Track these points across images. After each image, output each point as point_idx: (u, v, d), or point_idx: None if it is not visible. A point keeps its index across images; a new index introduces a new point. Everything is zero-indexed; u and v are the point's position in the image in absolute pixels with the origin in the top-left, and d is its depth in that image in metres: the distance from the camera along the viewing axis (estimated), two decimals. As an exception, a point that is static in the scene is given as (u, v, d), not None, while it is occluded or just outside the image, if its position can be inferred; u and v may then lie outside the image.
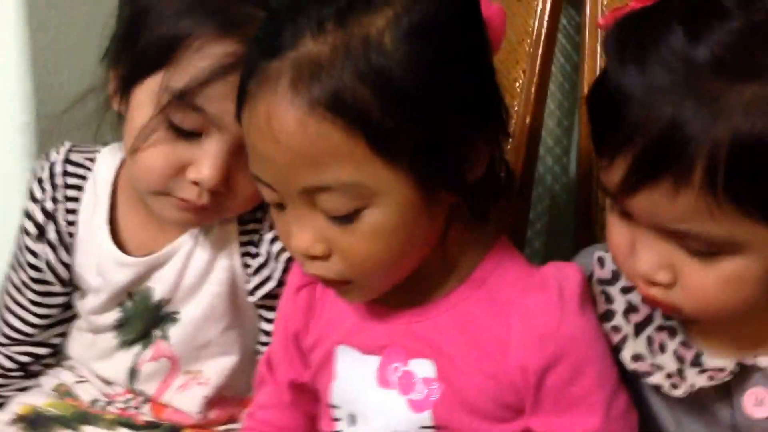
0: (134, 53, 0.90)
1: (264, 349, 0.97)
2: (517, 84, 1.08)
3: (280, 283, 0.96)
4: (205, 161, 0.88)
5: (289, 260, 0.94)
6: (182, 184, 0.90)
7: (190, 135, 0.88)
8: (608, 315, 0.83)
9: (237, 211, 0.95)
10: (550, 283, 0.79)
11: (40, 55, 1.13)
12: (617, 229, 0.76)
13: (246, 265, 0.98)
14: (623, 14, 0.73)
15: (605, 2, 1.05)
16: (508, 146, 1.04)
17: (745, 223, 0.68)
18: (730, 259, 0.71)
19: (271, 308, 0.98)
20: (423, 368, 0.81)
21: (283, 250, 0.95)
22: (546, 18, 1.08)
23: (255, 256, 0.97)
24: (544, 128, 1.14)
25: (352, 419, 0.85)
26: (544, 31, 1.08)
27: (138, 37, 0.90)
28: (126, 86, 0.91)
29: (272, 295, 0.97)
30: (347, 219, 0.74)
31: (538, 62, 1.07)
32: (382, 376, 0.82)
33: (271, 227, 0.95)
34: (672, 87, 0.67)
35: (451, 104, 0.73)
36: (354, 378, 0.84)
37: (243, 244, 0.97)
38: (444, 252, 0.81)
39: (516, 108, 1.08)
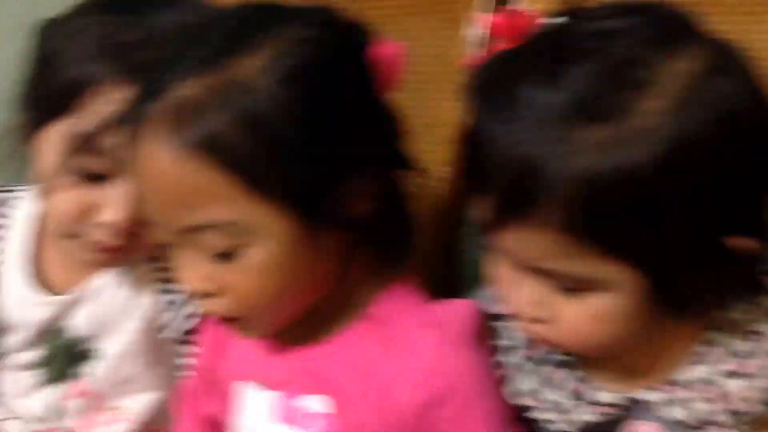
0: (41, 98, 0.92)
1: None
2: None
3: (198, 320, 0.96)
4: (115, 204, 0.90)
5: None
6: (90, 228, 0.91)
7: (98, 178, 0.90)
8: (500, 350, 0.84)
9: (151, 249, 0.95)
10: (440, 321, 0.80)
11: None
12: (494, 266, 0.77)
13: (164, 302, 0.99)
14: (485, 57, 0.75)
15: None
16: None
17: (606, 261, 0.69)
18: (598, 296, 0.72)
19: (190, 343, 0.98)
20: (320, 404, 0.82)
21: None
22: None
23: (173, 293, 0.98)
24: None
25: None
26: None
27: (45, 82, 0.91)
28: (33, 130, 0.92)
29: (190, 331, 0.98)
30: (230, 256, 0.75)
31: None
32: (281, 411, 0.83)
33: None
34: (530, 129, 0.68)
35: (324, 144, 0.73)
36: (257, 413, 0.85)
37: (162, 281, 0.98)
38: (345, 288, 0.81)
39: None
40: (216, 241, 0.74)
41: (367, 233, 0.79)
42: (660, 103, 0.66)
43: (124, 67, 0.87)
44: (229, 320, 0.80)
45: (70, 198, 0.91)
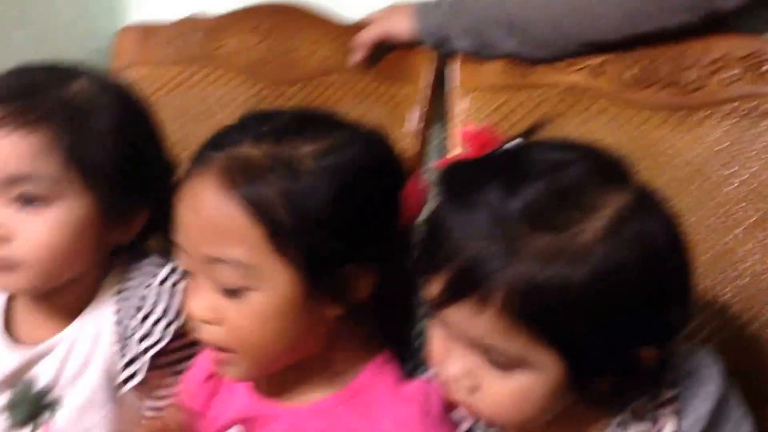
0: None
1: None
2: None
3: (148, 377, 1.03)
4: None
5: (154, 357, 1.03)
6: None
7: None
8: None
9: (28, 265, 1.00)
10: (416, 398, 0.89)
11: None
12: (435, 337, 0.85)
13: (117, 360, 1.05)
14: (455, 160, 0.85)
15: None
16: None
17: (533, 345, 0.78)
18: (523, 375, 0.80)
19: (145, 397, 1.06)
20: None
21: (147, 350, 1.03)
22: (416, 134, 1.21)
23: (125, 352, 1.04)
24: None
25: None
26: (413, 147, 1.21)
27: None
28: None
29: (142, 387, 1.04)
30: (236, 294, 0.85)
31: None
32: None
33: (143, 323, 1.03)
34: (483, 227, 0.78)
35: (342, 231, 0.84)
36: None
37: (117, 340, 1.05)
38: (327, 359, 0.91)
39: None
40: (228, 276, 0.85)
41: (361, 313, 0.89)
42: (597, 225, 0.76)
43: None
44: (219, 351, 0.89)
45: None
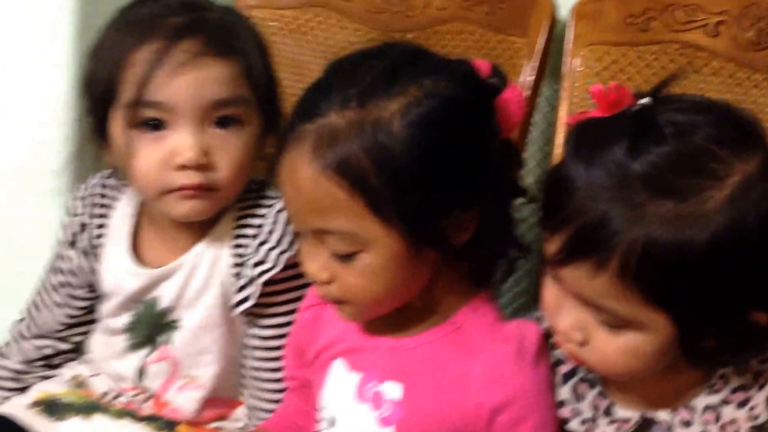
0: (92, 106, 1.08)
1: (254, 361, 1.12)
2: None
3: (258, 303, 1.10)
4: (180, 144, 1.04)
5: (265, 284, 1.09)
6: (173, 175, 1.05)
7: (158, 127, 1.04)
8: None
9: (229, 186, 1.08)
10: (513, 338, 0.92)
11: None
12: (549, 290, 0.88)
13: (233, 283, 1.12)
14: (585, 118, 0.86)
15: (580, 83, 1.20)
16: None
17: (647, 308, 0.80)
18: (632, 334, 0.83)
19: (252, 323, 1.12)
20: (393, 390, 0.94)
21: (260, 275, 1.09)
22: (526, 90, 1.22)
23: (240, 277, 1.11)
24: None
25: (332, 423, 0.98)
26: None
27: (90, 93, 1.08)
28: (101, 132, 1.08)
29: (254, 313, 1.11)
30: (346, 258, 0.89)
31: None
32: (360, 391, 0.96)
33: (257, 251, 1.10)
34: (608, 188, 0.79)
35: (439, 183, 0.87)
36: (339, 389, 0.98)
37: (234, 265, 1.12)
38: (430, 296, 0.94)
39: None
40: (336, 244, 0.89)
41: (463, 255, 0.92)
42: (721, 194, 0.77)
43: (137, 34, 1.03)
44: (334, 302, 0.94)
45: (144, 158, 1.05)
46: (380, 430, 0.94)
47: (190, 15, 1.06)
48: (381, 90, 0.86)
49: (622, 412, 0.91)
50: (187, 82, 1.02)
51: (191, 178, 1.05)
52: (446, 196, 0.87)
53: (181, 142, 1.03)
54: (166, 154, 1.04)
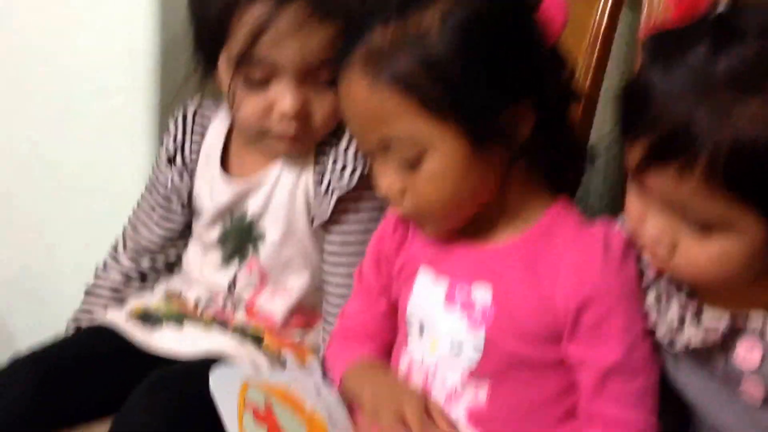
0: (202, 45, 1.15)
1: (327, 268, 1.18)
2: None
3: (334, 216, 1.16)
4: (283, 97, 1.11)
5: (345, 199, 1.15)
6: (274, 122, 1.13)
7: (263, 83, 1.11)
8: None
9: (323, 131, 1.15)
10: (599, 237, 0.95)
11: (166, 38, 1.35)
12: (633, 199, 0.89)
13: (313, 197, 1.18)
14: (662, 25, 0.87)
15: (660, 6, 1.20)
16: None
17: (736, 208, 0.79)
18: (721, 238, 0.82)
19: (327, 235, 1.18)
20: (482, 293, 0.97)
21: (336, 191, 1.15)
22: (606, 17, 1.23)
23: (319, 191, 1.17)
24: (596, 122, 1.27)
25: (421, 330, 1.01)
26: (602, 30, 1.22)
27: (200, 33, 1.14)
28: (209, 68, 1.16)
29: (329, 224, 1.17)
30: (412, 165, 0.93)
31: (594, 59, 1.22)
32: (449, 296, 0.99)
33: (335, 166, 1.15)
34: (690, 90, 0.79)
35: (485, 80, 0.91)
36: (427, 296, 1.01)
37: (314, 180, 1.18)
38: (507, 200, 0.98)
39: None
40: (401, 151, 0.93)
41: (533, 156, 0.96)
42: None
43: None
44: (411, 218, 0.99)
45: (249, 106, 1.13)
46: (471, 331, 0.96)
47: None
48: (415, 4, 0.92)
49: (710, 319, 0.90)
50: (293, 44, 1.08)
51: (289, 127, 1.13)
52: (495, 89, 0.91)
53: (282, 95, 1.11)
54: (267, 104, 1.12)
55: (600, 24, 1.23)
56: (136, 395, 1.07)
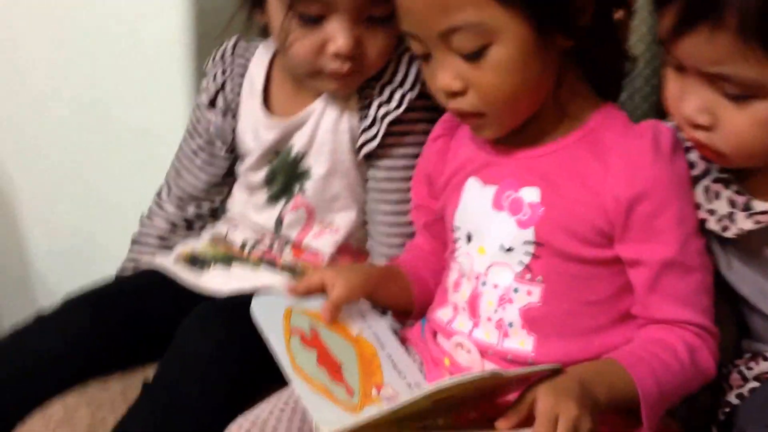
0: None
1: (373, 197, 1.17)
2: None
3: (381, 144, 1.14)
4: (337, 35, 1.09)
5: (391, 124, 1.13)
6: (327, 60, 1.10)
7: (317, 21, 1.09)
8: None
9: (373, 70, 1.13)
10: (648, 134, 0.94)
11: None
12: (671, 80, 0.89)
13: (359, 126, 1.16)
14: None
15: None
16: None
17: None
18: (762, 103, 0.82)
19: (374, 167, 1.16)
20: (530, 194, 0.96)
21: (385, 115, 1.13)
22: None
23: (365, 118, 1.15)
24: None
25: (469, 238, 1.00)
26: None
27: None
28: (256, 6, 1.14)
29: (375, 155, 1.15)
30: (476, 56, 0.91)
31: None
32: (496, 201, 0.98)
33: (382, 92, 1.14)
34: None
35: None
36: (474, 204, 1.00)
37: (360, 108, 1.16)
38: (557, 100, 0.96)
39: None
40: (465, 42, 0.91)
41: (582, 57, 0.95)
42: None
43: None
44: (471, 117, 0.96)
45: (303, 44, 1.10)
46: (520, 231, 0.95)
47: None
48: None
49: (761, 204, 0.91)
50: None
51: (343, 65, 1.10)
52: None
53: (337, 33, 1.09)
54: (321, 41, 1.10)
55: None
56: (187, 323, 1.07)
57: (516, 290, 0.95)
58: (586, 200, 0.93)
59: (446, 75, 0.94)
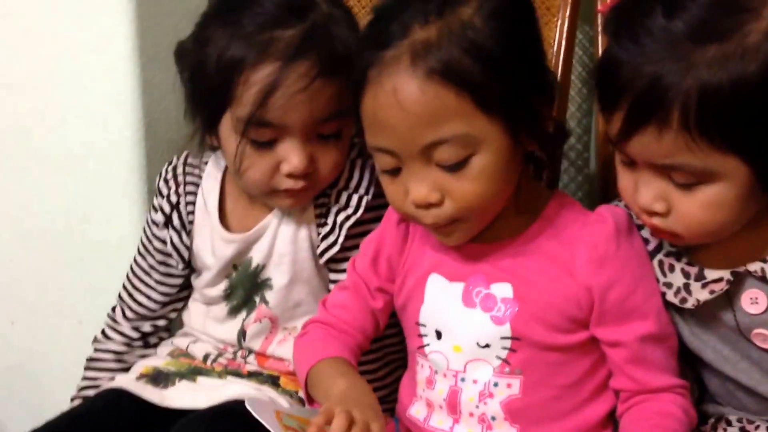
0: (202, 107, 1.14)
1: None
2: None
3: (342, 248, 1.15)
4: (290, 156, 1.10)
5: (350, 227, 1.15)
6: (281, 180, 1.12)
7: (270, 144, 1.11)
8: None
9: (327, 182, 1.16)
10: (607, 219, 0.98)
11: (149, 87, 1.37)
12: (623, 175, 0.94)
13: (318, 234, 1.18)
14: (615, 2, 0.93)
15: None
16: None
17: (716, 154, 0.85)
18: (709, 187, 0.87)
19: (336, 270, 1.18)
20: (502, 290, 0.98)
21: (345, 221, 1.15)
22: (565, 33, 1.27)
23: (324, 225, 1.17)
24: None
25: (439, 335, 1.01)
26: (564, 43, 1.26)
27: (200, 95, 1.13)
28: (210, 129, 1.15)
29: (337, 259, 1.17)
30: (459, 166, 0.92)
31: (559, 71, 1.25)
32: (466, 298, 1.00)
33: (338, 198, 1.16)
34: (653, 52, 0.85)
35: (525, 67, 0.94)
36: (440, 301, 1.02)
37: (317, 216, 1.18)
38: (517, 196, 0.99)
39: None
40: (449, 153, 0.92)
41: (533, 154, 0.99)
42: (762, 24, 0.81)
43: (254, 52, 1.07)
44: (444, 227, 0.97)
45: (258, 167, 1.12)
46: (496, 328, 0.98)
47: (300, 25, 1.08)
48: (451, 1, 0.92)
49: (712, 273, 0.95)
50: (300, 104, 1.07)
51: (297, 183, 1.12)
52: (531, 78, 0.94)
53: (289, 153, 1.10)
54: (275, 163, 1.11)
55: (561, 37, 1.26)
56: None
57: (496, 384, 0.98)
58: (558, 292, 0.97)
59: (422, 187, 0.94)
